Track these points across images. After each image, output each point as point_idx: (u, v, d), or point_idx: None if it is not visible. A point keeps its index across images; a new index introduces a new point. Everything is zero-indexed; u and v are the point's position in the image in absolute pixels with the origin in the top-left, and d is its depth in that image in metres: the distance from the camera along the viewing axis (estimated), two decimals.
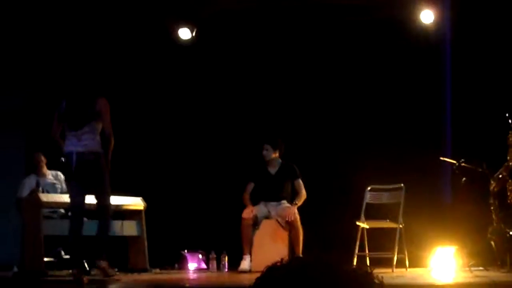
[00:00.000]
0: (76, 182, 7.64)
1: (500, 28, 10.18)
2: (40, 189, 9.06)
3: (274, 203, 9.15)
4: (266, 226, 9.23)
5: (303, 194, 9.07)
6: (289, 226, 8.91)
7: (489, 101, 10.25)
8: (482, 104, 10.24)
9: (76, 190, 7.68)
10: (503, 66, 10.21)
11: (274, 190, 9.19)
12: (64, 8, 10.36)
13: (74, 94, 7.75)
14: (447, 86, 10.48)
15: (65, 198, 8.59)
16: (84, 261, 8.56)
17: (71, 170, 7.59)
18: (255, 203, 9.24)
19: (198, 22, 10.68)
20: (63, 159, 7.68)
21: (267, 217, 9.13)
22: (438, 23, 10.15)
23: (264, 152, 9.16)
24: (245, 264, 8.89)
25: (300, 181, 9.14)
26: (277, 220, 9.02)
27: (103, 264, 7.63)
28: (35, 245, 8.15)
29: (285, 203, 9.14)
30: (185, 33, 10.71)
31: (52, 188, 9.19)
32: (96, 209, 7.80)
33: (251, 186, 9.29)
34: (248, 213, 8.99)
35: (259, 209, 9.13)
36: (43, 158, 9.29)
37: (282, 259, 2.59)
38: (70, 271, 8.23)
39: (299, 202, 8.99)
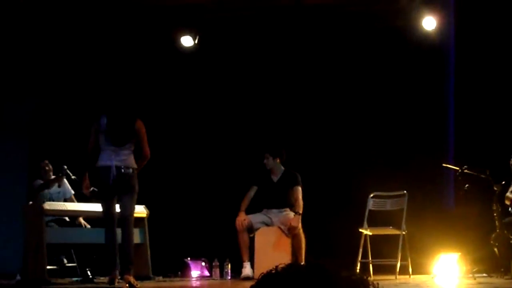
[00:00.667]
0: (111, 194, 7.87)
1: (502, 34, 10.18)
2: (49, 196, 9.09)
3: (275, 211, 9.14)
4: (268, 234, 9.22)
5: (300, 201, 9.02)
6: (291, 234, 8.89)
7: (492, 107, 10.25)
8: (485, 111, 10.24)
9: (111, 202, 7.94)
10: (506, 72, 10.21)
11: (276, 197, 9.18)
12: (67, 16, 10.38)
13: (117, 111, 8.03)
14: (450, 93, 10.48)
15: (69, 206, 8.61)
16: (87, 269, 8.55)
17: (108, 183, 7.79)
18: (257, 210, 9.23)
19: (200, 30, 10.70)
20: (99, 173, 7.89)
21: (268, 224, 9.12)
22: (441, 29, 10.15)
23: (265, 161, 9.17)
24: (246, 271, 8.89)
25: (299, 189, 9.11)
26: (279, 228, 9.01)
27: (131, 278, 7.72)
28: (38, 253, 8.15)
29: (287, 210, 9.13)
30: (187, 41, 10.74)
31: (57, 196, 9.21)
32: (120, 219, 7.97)
33: (253, 190, 9.27)
34: (239, 222, 8.99)
35: (257, 217, 9.12)
36: (50, 167, 9.29)
37: (276, 266, 2.58)
38: (73, 279, 8.25)
39: (300, 210, 8.96)
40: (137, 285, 7.75)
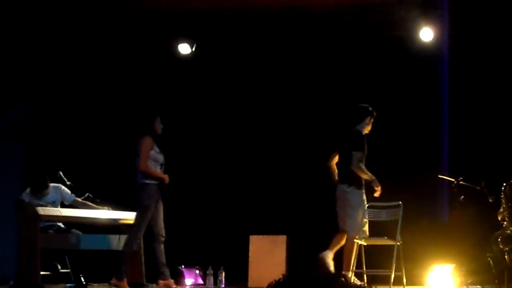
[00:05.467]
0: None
1: (497, 46, 10.22)
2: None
3: None
4: (261, 242, 9.22)
5: None
6: None
7: (487, 119, 10.28)
8: (480, 122, 10.27)
9: None
10: (501, 84, 10.25)
11: None
12: (65, 21, 10.39)
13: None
14: (445, 104, 10.51)
15: (63, 212, 8.58)
16: (81, 275, 8.53)
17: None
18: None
19: (198, 37, 10.72)
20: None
21: None
22: (438, 41, 10.19)
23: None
24: None
25: None
26: None
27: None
28: (32, 258, 8.12)
29: None
30: (184, 48, 10.76)
31: (52, 206, 9.13)
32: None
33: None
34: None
35: None
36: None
37: (283, 275, 2.57)
38: (67, 285, 8.25)
39: None
40: None
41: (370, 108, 9.02)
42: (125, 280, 8.40)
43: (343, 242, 8.84)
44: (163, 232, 8.53)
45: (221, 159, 10.94)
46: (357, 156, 8.86)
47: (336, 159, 9.14)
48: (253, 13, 10.43)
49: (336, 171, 9.09)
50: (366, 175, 8.87)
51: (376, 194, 8.85)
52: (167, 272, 8.52)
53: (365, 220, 8.83)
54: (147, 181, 8.38)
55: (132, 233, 8.40)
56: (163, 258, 8.51)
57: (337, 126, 10.85)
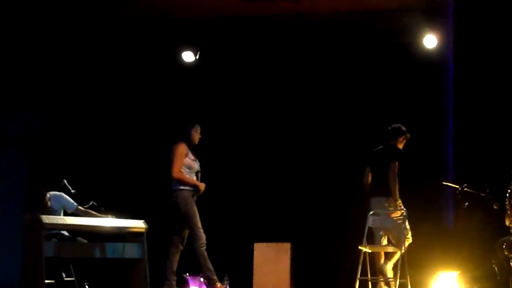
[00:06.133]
0: None
1: (502, 53, 10.22)
2: None
3: None
4: (266, 250, 9.22)
5: None
6: None
7: (492, 125, 10.27)
8: (484, 129, 10.26)
9: None
10: (506, 91, 10.24)
11: None
12: (69, 28, 10.42)
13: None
14: (450, 111, 10.50)
15: (67, 220, 8.58)
16: (86, 284, 8.53)
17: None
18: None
19: (201, 45, 10.74)
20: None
21: None
22: (442, 48, 10.20)
23: None
24: None
25: None
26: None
27: None
28: (36, 266, 8.12)
29: None
30: (188, 56, 10.79)
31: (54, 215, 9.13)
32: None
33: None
34: None
35: None
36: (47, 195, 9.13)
37: None
38: None
39: None
40: None
41: (404, 128, 9.22)
42: (218, 283, 8.46)
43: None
44: (183, 241, 8.51)
45: (225, 166, 10.94)
46: (394, 166, 8.98)
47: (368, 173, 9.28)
48: (256, 21, 10.44)
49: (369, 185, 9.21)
50: (396, 189, 8.94)
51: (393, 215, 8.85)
52: (173, 280, 8.50)
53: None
54: (182, 187, 8.42)
55: (196, 238, 8.40)
56: (175, 265, 8.47)
57: (343, 133, 10.89)
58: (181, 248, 8.60)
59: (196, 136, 8.63)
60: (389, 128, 9.29)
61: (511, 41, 10.13)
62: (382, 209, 8.92)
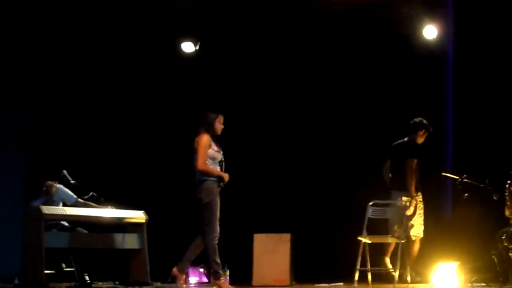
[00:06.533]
0: None
1: (501, 44, 10.22)
2: None
3: None
4: (265, 241, 9.23)
5: None
6: None
7: (491, 116, 10.27)
8: (484, 120, 10.26)
9: None
10: (505, 82, 10.24)
11: None
12: (68, 20, 10.40)
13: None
14: (449, 102, 10.50)
15: (67, 210, 8.58)
16: (85, 274, 8.54)
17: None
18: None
19: (201, 36, 10.73)
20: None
21: None
22: (441, 38, 10.19)
23: None
24: None
25: None
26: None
27: None
28: (36, 257, 8.12)
29: None
30: (188, 47, 10.78)
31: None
32: None
33: None
34: None
35: None
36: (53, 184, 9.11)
37: None
38: (72, 284, 8.26)
39: None
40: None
41: (425, 122, 9.38)
42: (223, 278, 8.37)
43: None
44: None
45: (225, 158, 10.93)
46: (411, 163, 9.15)
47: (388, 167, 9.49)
48: (256, 11, 10.42)
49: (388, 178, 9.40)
50: (412, 185, 9.09)
51: (407, 212, 8.94)
52: (187, 268, 8.44)
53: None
54: (206, 178, 8.32)
55: (206, 232, 8.29)
56: (194, 255, 8.43)
57: (341, 124, 10.90)
58: (217, 237, 8.41)
59: (219, 126, 8.51)
60: (411, 121, 9.44)
61: (511, 32, 10.12)
62: (398, 202, 9.09)
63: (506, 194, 8.64)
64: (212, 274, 8.38)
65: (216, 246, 8.32)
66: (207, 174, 8.31)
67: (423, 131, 9.39)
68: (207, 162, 8.34)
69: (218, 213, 8.32)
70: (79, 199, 8.86)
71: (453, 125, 10.47)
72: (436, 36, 10.21)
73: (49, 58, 10.79)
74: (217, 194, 8.35)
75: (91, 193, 8.82)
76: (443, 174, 9.20)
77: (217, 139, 8.49)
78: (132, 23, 10.57)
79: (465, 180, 8.72)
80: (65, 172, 8.85)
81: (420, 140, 9.40)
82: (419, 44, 10.24)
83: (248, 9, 10.38)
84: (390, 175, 9.48)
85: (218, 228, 8.32)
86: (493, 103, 10.29)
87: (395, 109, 10.69)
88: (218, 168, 8.45)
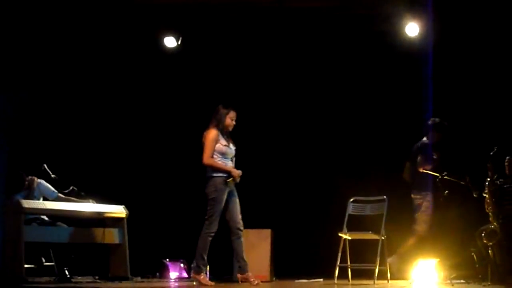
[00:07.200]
0: None
1: (482, 41, 10.27)
2: None
3: None
4: (246, 236, 9.23)
5: None
6: None
7: (471, 114, 10.33)
8: (463, 118, 10.31)
9: None
10: (485, 80, 10.30)
11: None
12: (52, 13, 10.33)
13: None
14: (429, 99, 10.53)
15: (48, 205, 8.54)
16: (65, 268, 8.51)
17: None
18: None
19: (183, 31, 10.70)
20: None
21: None
22: (424, 36, 10.22)
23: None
24: None
25: None
26: None
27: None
28: (16, 251, 8.09)
29: None
30: (170, 42, 10.76)
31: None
32: None
33: None
34: None
35: None
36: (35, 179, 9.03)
37: None
38: (51, 278, 8.23)
39: None
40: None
41: (440, 122, 9.42)
42: (203, 274, 8.37)
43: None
44: (240, 225, 8.37)
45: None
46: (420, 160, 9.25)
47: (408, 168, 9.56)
48: (238, 7, 10.40)
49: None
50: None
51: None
52: (246, 266, 8.37)
53: None
54: (214, 174, 8.27)
55: (205, 226, 8.27)
56: (241, 252, 8.34)
57: (321, 121, 10.91)
58: (240, 232, 8.39)
59: (230, 122, 8.44)
60: (427, 122, 9.49)
61: (492, 29, 10.17)
62: (414, 201, 9.29)
63: (485, 191, 8.71)
64: (194, 268, 8.37)
65: (209, 242, 8.29)
66: (213, 168, 8.26)
67: (434, 131, 9.40)
68: (215, 157, 8.29)
69: (220, 211, 8.27)
70: (60, 195, 8.83)
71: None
72: (419, 34, 10.24)
73: (28, 49, 10.70)
74: (224, 190, 8.29)
75: (71, 187, 8.79)
76: (424, 171, 9.23)
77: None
78: (114, 17, 10.53)
79: (446, 177, 8.76)
80: (45, 166, 8.82)
81: (437, 139, 9.40)
82: (401, 42, 10.26)
83: (230, 5, 10.36)
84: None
85: (216, 225, 8.30)
86: (473, 100, 10.35)
87: (377, 106, 10.73)
88: (230, 164, 8.38)
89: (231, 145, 8.44)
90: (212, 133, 8.32)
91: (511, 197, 8.86)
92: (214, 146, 8.29)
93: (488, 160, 8.72)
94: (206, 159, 8.26)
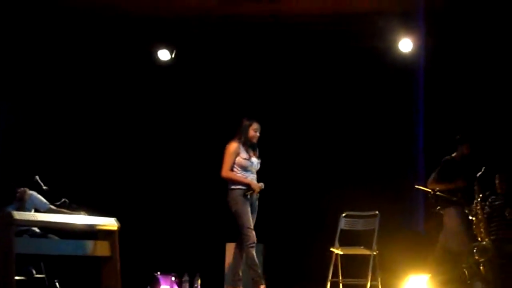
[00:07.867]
0: None
1: (474, 56, 10.31)
2: None
3: None
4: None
5: None
6: None
7: (463, 130, 10.35)
8: (455, 133, 10.34)
9: None
10: (476, 94, 10.33)
11: None
12: (43, 24, 10.34)
13: None
14: (420, 115, 10.57)
15: (39, 216, 8.50)
16: (56, 281, 8.47)
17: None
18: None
19: (178, 44, 10.72)
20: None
21: None
22: (417, 52, 10.26)
23: None
24: None
25: None
26: None
27: None
28: (6, 263, 8.03)
29: None
30: (164, 55, 10.77)
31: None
32: None
33: None
34: None
35: None
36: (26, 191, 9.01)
37: None
38: None
39: None
40: None
41: (463, 137, 9.27)
42: (262, 286, 8.21)
43: None
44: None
45: (197, 165, 10.92)
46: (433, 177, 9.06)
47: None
48: (232, 21, 10.43)
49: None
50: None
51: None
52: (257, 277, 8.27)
53: None
54: (232, 187, 8.21)
55: (244, 240, 8.16)
56: (252, 263, 8.19)
57: (315, 135, 10.92)
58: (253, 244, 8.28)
59: (253, 133, 8.38)
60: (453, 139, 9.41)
61: (485, 44, 10.21)
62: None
63: (478, 208, 8.70)
64: (253, 281, 8.22)
65: (254, 254, 8.16)
66: (232, 181, 8.21)
67: (464, 144, 9.29)
68: (235, 170, 8.24)
69: (250, 220, 8.19)
70: (52, 206, 8.79)
71: (424, 137, 10.53)
72: (412, 49, 10.27)
73: (21, 61, 10.70)
74: (243, 202, 8.19)
75: (63, 199, 8.75)
76: (417, 186, 9.25)
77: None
78: (109, 30, 10.54)
79: (438, 193, 8.78)
80: (37, 177, 8.78)
81: (462, 153, 9.27)
82: (395, 57, 10.29)
83: (224, 19, 10.38)
84: None
85: (253, 236, 8.17)
86: (465, 115, 10.38)
87: (369, 122, 10.75)
88: (251, 177, 8.31)
89: (252, 158, 8.35)
90: (232, 146, 8.29)
91: (502, 213, 8.87)
92: (234, 159, 8.23)
93: (474, 181, 8.72)
94: (224, 172, 8.23)
